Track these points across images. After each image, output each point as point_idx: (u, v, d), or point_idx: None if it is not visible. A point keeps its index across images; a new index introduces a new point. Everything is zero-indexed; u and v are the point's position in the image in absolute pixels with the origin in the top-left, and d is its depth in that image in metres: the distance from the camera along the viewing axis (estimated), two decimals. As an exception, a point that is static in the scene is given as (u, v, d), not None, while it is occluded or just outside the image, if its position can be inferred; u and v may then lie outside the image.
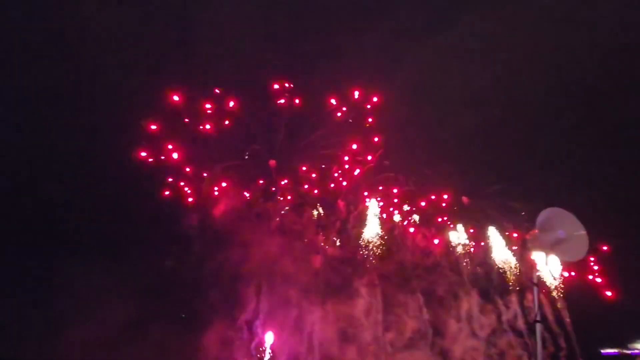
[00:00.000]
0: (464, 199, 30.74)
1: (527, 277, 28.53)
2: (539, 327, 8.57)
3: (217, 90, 28.82)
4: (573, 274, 29.11)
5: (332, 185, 30.63)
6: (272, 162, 30.09)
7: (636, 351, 28.55)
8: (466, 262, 30.08)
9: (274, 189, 30.26)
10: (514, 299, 29.00)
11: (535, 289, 7.81)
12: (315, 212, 30.50)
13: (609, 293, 28.06)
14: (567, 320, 28.06)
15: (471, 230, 30.62)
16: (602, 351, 28.74)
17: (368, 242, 29.85)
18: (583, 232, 6.50)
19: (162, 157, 27.84)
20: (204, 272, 26.68)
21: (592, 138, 29.06)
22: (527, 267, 28.76)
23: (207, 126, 28.70)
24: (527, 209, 28.49)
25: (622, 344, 28.62)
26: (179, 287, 26.49)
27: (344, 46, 29.56)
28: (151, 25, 27.64)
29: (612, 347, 28.96)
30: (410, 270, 29.65)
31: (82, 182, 26.25)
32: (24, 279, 23.30)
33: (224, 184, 29.08)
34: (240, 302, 27.26)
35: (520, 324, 28.34)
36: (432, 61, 29.41)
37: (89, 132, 26.40)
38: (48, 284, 22.79)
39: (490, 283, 29.67)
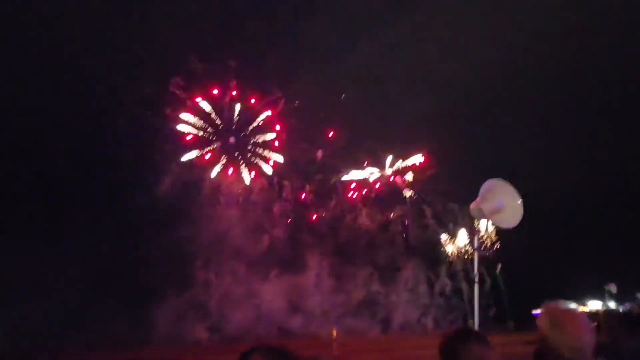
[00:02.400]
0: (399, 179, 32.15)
1: (459, 246, 30.42)
2: (477, 288, 9.23)
3: None
4: None
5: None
6: (232, 139, 30.96)
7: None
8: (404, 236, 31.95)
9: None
10: (446, 267, 31.31)
11: (475, 253, 8.44)
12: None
13: None
14: (502, 283, 30.31)
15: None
16: (533, 312, 31.08)
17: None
18: (519, 201, 7.08)
19: None
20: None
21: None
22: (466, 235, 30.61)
23: None
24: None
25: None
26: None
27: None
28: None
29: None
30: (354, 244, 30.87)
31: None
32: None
33: None
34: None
35: (451, 290, 30.64)
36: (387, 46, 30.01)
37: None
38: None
39: (424, 254, 31.54)
